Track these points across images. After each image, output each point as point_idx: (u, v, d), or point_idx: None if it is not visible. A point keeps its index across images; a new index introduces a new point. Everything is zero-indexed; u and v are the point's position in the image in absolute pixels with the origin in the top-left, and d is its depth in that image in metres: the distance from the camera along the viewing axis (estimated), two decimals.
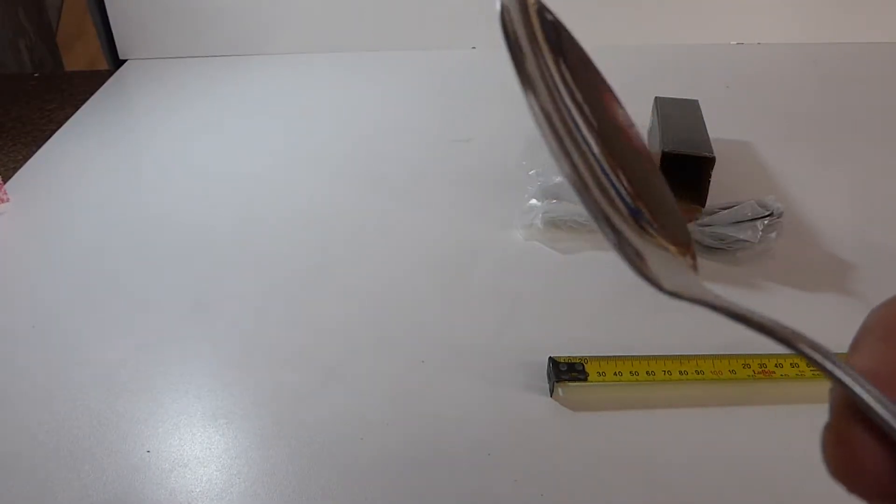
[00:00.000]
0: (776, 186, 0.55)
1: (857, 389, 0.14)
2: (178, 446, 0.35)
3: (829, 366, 0.14)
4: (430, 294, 0.45)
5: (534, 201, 0.50)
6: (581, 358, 0.37)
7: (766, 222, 0.46)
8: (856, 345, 0.15)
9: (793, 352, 0.15)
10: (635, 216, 0.17)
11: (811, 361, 0.15)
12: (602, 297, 0.44)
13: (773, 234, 0.46)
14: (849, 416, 0.14)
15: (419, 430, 0.35)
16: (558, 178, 0.51)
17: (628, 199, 0.17)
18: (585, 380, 0.36)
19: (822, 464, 0.15)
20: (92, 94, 0.75)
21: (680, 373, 0.37)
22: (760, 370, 0.37)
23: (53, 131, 0.67)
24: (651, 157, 0.19)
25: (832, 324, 0.42)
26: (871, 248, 0.48)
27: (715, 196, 0.48)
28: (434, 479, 0.33)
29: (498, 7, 0.16)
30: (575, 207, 0.49)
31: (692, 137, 0.50)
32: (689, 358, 0.37)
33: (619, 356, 0.37)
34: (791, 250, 0.47)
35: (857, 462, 0.14)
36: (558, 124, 0.16)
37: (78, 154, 0.63)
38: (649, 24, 0.83)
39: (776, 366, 0.37)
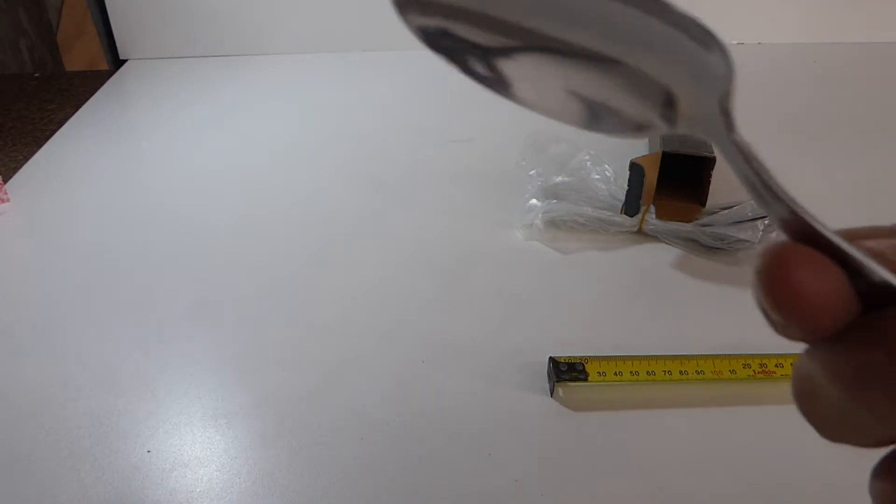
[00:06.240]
0: None
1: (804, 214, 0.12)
2: (178, 446, 0.35)
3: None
4: (430, 294, 0.45)
5: (534, 201, 0.50)
6: (581, 358, 0.37)
7: (766, 222, 0.46)
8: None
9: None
10: None
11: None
12: (602, 297, 0.44)
13: (774, 234, 0.46)
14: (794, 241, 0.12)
15: (419, 430, 0.35)
16: (558, 178, 0.51)
17: None
18: (585, 380, 0.36)
19: (756, 303, 0.13)
20: (92, 94, 0.75)
21: (680, 373, 0.37)
22: (760, 370, 0.37)
23: (53, 131, 0.67)
24: None
25: None
26: None
27: (715, 196, 0.47)
28: (434, 479, 0.33)
29: None
30: (575, 207, 0.49)
31: (692, 137, 0.50)
32: (689, 358, 0.37)
33: (619, 356, 0.37)
34: None
35: (800, 282, 0.12)
36: None
37: (78, 154, 0.63)
38: None
39: (776, 366, 0.37)
